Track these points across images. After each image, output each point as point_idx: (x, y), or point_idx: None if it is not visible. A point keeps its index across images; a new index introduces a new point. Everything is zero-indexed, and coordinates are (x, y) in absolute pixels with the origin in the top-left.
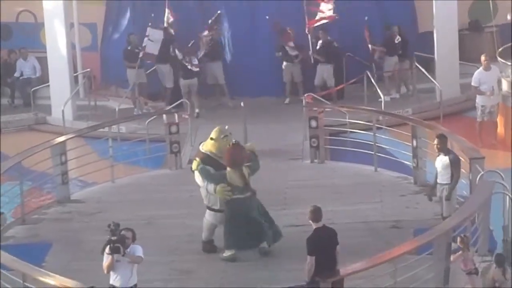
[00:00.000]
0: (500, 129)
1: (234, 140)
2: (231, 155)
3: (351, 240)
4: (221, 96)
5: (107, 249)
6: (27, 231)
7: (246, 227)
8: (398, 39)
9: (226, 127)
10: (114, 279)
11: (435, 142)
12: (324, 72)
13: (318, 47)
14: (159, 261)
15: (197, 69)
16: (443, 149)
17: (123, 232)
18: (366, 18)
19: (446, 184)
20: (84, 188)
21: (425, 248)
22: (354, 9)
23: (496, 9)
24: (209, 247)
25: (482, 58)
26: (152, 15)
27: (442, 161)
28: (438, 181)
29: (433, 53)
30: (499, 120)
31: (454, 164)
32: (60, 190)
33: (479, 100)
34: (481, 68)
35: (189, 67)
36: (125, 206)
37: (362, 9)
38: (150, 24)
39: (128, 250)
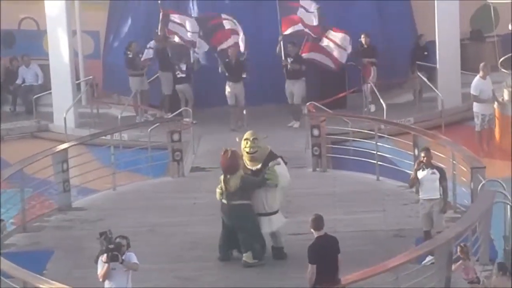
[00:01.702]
0: (499, 138)
1: (232, 147)
2: (222, 161)
3: (353, 248)
4: (237, 121)
5: (103, 258)
6: (28, 238)
7: (225, 232)
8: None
9: (266, 136)
10: (109, 287)
11: (422, 155)
12: (293, 88)
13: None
14: (162, 268)
15: (184, 75)
16: (430, 163)
17: (118, 240)
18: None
19: (436, 199)
20: (86, 195)
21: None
22: (355, 19)
23: (498, 19)
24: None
25: (482, 66)
26: (156, 30)
27: (430, 175)
28: (426, 196)
29: (435, 63)
30: (497, 129)
31: (443, 177)
32: (62, 198)
33: (479, 109)
34: (478, 77)
35: (177, 73)
36: (126, 213)
37: (363, 19)
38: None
39: (123, 257)
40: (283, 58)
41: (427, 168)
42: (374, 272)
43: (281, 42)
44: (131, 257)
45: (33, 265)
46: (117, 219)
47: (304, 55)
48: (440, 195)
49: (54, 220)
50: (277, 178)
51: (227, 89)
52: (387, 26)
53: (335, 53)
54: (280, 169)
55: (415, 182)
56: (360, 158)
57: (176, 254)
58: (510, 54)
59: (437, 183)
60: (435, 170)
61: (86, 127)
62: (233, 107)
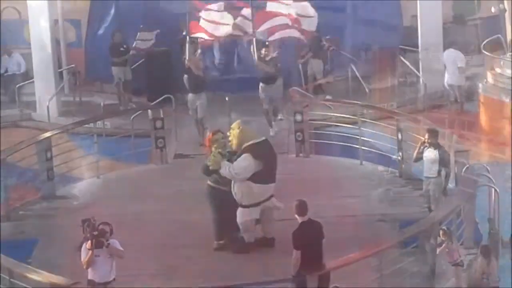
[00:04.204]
0: (486, 123)
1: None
2: None
3: (337, 233)
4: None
5: (87, 244)
6: (13, 227)
7: None
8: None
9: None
10: (93, 274)
11: (426, 136)
12: (271, 91)
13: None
14: (146, 256)
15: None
16: (433, 143)
17: (101, 227)
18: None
19: (433, 178)
20: (70, 184)
21: (411, 241)
22: (337, 4)
23: (480, 1)
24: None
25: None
26: (141, 26)
27: (430, 155)
28: (425, 174)
29: (417, 46)
30: (482, 112)
31: (444, 160)
32: (46, 186)
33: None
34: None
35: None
36: (111, 201)
37: (347, 4)
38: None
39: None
40: (256, 60)
41: (430, 148)
42: (358, 257)
43: (254, 41)
44: (115, 244)
45: (17, 254)
46: (101, 207)
47: (271, 38)
48: (439, 175)
49: (38, 208)
50: (217, 164)
51: (188, 102)
52: (372, 8)
53: (301, 24)
54: (241, 162)
55: (418, 158)
56: (343, 143)
57: (160, 242)
58: (492, 37)
59: (436, 164)
60: (436, 152)
61: (69, 115)
62: (195, 121)
